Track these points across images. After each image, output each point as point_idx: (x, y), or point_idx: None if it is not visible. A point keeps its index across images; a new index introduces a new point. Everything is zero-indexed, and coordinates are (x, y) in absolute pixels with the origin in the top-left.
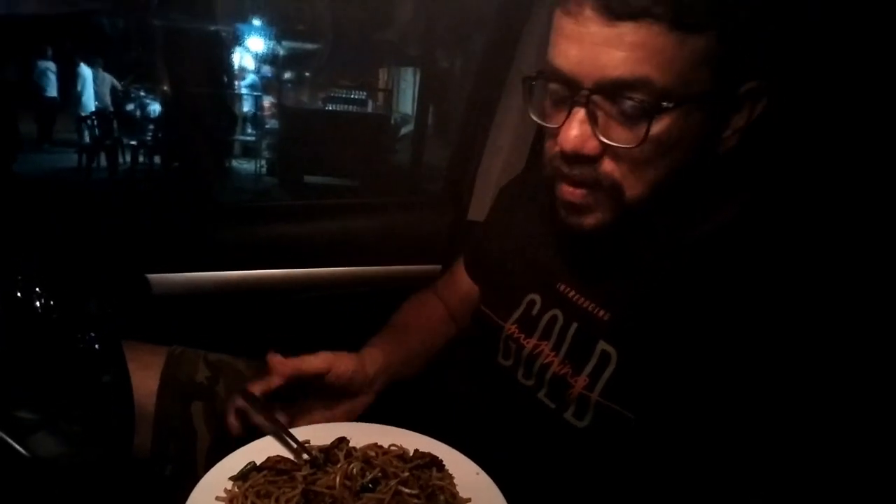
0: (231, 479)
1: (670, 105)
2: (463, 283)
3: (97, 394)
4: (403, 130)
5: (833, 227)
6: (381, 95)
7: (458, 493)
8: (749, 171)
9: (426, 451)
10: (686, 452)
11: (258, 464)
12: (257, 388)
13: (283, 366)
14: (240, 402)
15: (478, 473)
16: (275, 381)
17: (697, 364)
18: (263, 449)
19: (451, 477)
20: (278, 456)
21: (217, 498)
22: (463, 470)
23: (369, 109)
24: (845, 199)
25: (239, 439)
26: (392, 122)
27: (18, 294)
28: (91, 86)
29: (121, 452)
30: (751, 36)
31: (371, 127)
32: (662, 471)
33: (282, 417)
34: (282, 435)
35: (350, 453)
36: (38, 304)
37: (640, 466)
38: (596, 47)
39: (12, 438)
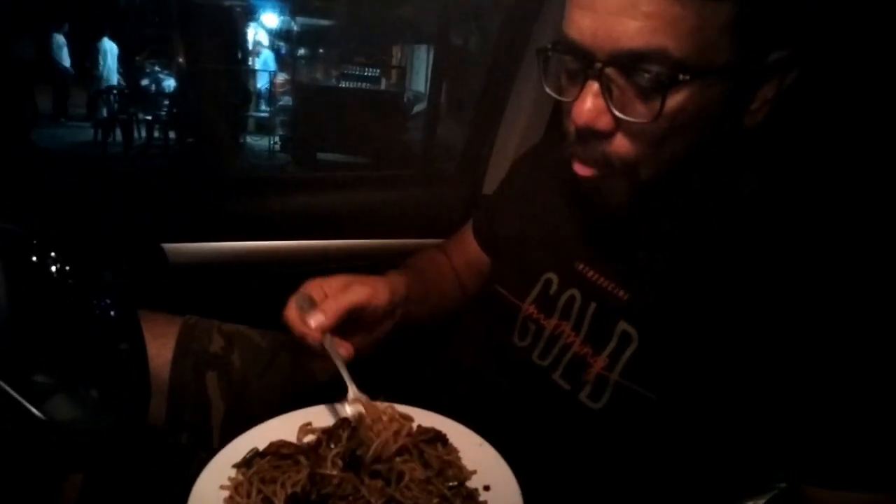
0: (234, 466)
1: (687, 77)
2: (471, 249)
3: (113, 360)
4: (416, 108)
5: (864, 201)
6: (394, 73)
7: (464, 466)
8: (777, 144)
9: (428, 425)
10: (709, 431)
11: (261, 449)
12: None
13: (335, 304)
14: (293, 310)
15: (481, 445)
16: (327, 322)
17: (722, 342)
18: (266, 434)
19: (455, 451)
20: (281, 441)
21: (221, 487)
22: (466, 442)
23: (382, 87)
24: (877, 173)
25: (253, 409)
26: (405, 99)
27: (34, 258)
28: (111, 60)
29: (136, 419)
30: (777, 1)
31: (384, 104)
32: (680, 451)
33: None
34: (334, 353)
35: (353, 434)
36: (53, 268)
37: (656, 448)
38: (610, 17)
39: (28, 402)
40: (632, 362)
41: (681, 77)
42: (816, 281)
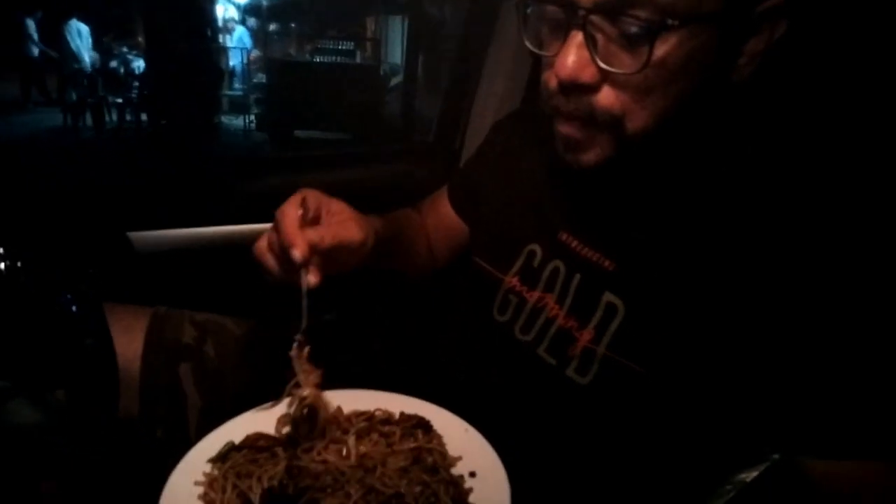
0: (209, 461)
1: (676, 23)
2: (444, 214)
3: (78, 358)
4: (393, 81)
5: (854, 165)
6: (369, 45)
7: (447, 452)
8: (768, 102)
9: (412, 412)
10: (700, 404)
11: (237, 443)
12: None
13: (333, 235)
14: (294, 211)
15: (466, 430)
16: (321, 246)
17: (710, 310)
18: (242, 427)
19: (439, 437)
20: (258, 433)
21: (195, 482)
22: (451, 428)
23: (358, 60)
24: (874, 134)
25: (229, 399)
26: (381, 72)
27: None
28: (83, 41)
29: (106, 417)
30: None
31: (360, 78)
32: (670, 426)
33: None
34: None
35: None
36: (1, 265)
37: (646, 423)
38: None
39: None
40: (618, 334)
41: (669, 22)
42: (805, 245)
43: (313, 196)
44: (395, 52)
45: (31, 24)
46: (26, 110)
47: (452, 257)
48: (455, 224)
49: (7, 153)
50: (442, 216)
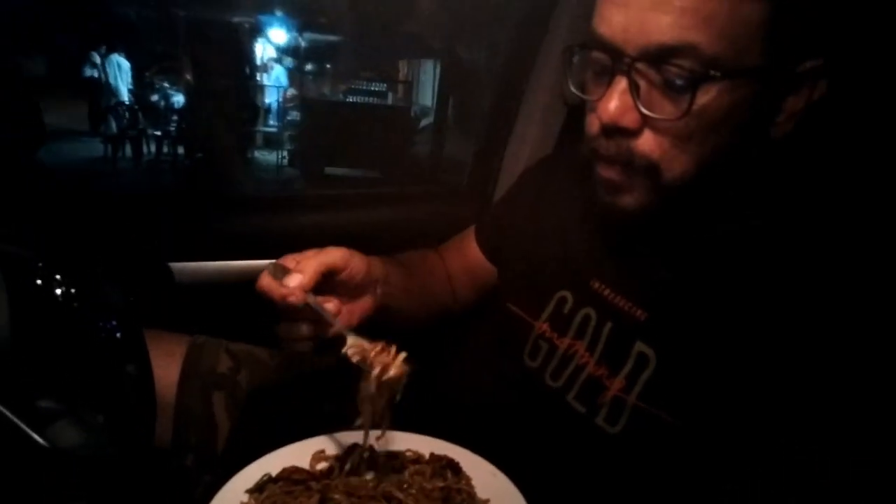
0: (247, 491)
1: (718, 74)
2: (470, 255)
3: (119, 383)
4: (423, 122)
5: (886, 229)
6: (400, 87)
7: (475, 493)
8: (805, 160)
9: (441, 454)
10: (730, 455)
11: (273, 475)
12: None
13: (312, 262)
14: (266, 277)
15: (495, 475)
16: (306, 279)
17: (742, 362)
18: (279, 461)
19: (468, 478)
20: (294, 466)
21: None
22: (480, 471)
23: (389, 101)
24: None
25: (260, 430)
26: (412, 114)
27: (38, 282)
28: (123, 75)
29: (143, 443)
30: (812, 7)
31: (391, 119)
32: (700, 475)
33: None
34: (314, 305)
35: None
36: (58, 291)
37: (676, 474)
38: (642, 12)
39: (31, 428)
40: (650, 385)
41: (711, 73)
42: (835, 303)
43: (285, 258)
44: (426, 95)
45: (95, 56)
46: (69, 139)
47: (478, 299)
48: (481, 264)
49: (60, 182)
50: (468, 257)
